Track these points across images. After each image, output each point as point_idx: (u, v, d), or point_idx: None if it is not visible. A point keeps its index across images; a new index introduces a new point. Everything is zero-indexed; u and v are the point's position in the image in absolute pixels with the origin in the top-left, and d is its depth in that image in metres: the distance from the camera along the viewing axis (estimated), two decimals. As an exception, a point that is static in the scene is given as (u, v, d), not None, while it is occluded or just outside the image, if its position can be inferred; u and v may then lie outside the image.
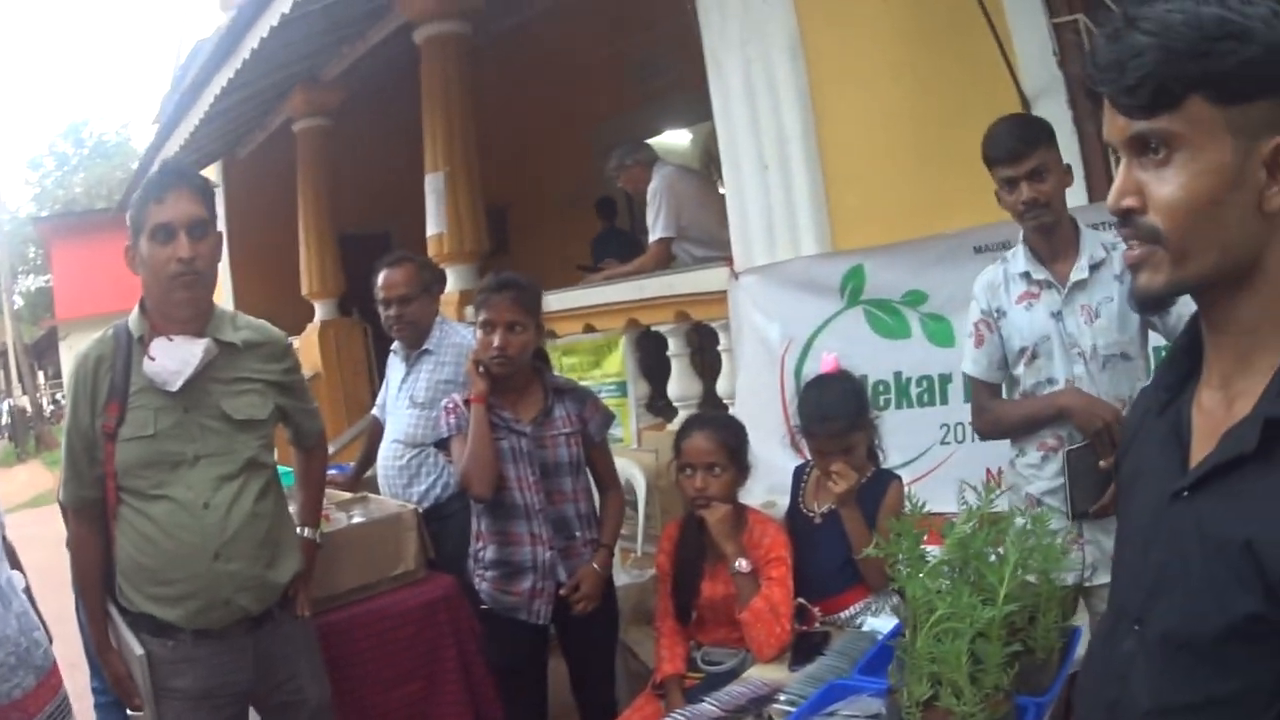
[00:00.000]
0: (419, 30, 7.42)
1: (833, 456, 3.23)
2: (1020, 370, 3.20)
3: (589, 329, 6.03)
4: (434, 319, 4.57)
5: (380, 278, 4.50)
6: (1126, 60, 1.18)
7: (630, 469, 5.27)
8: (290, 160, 9.57)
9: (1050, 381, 3.12)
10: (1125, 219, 1.24)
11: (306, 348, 9.39)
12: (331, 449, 7.35)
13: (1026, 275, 3.16)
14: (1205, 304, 1.27)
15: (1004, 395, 3.34)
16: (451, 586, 3.76)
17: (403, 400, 4.51)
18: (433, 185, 7.36)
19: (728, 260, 5.14)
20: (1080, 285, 3.08)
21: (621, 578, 4.73)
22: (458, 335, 4.50)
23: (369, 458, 4.87)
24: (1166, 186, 1.19)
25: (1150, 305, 1.28)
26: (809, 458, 3.50)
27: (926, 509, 3.43)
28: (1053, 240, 3.13)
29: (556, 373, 4.20)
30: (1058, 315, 3.09)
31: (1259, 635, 1.13)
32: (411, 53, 7.57)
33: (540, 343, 3.85)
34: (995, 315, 3.24)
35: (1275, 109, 1.17)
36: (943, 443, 4.47)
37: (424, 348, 4.49)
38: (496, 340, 3.48)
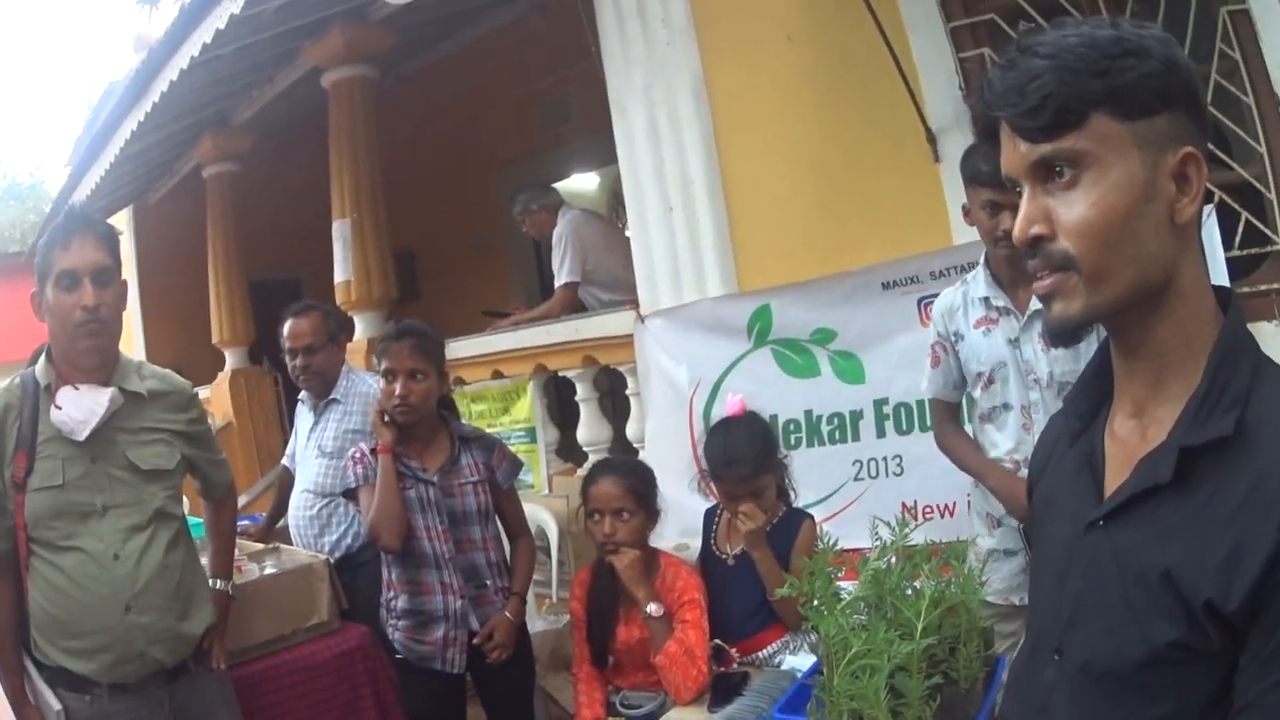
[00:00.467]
0: (326, 74, 7.36)
1: (741, 499, 3.21)
2: (977, 393, 3.24)
3: (497, 375, 5.98)
4: (340, 368, 4.52)
5: (286, 327, 4.47)
6: (1025, 84, 1.17)
7: (541, 515, 5.26)
8: (201, 205, 9.41)
9: (1005, 407, 3.15)
10: (1034, 248, 1.21)
11: (217, 396, 9.26)
12: (244, 499, 7.30)
13: (986, 300, 3.18)
14: (1118, 329, 1.26)
15: (964, 412, 3.38)
16: (366, 636, 3.71)
17: (311, 450, 4.47)
18: (340, 232, 7.27)
19: (633, 304, 5.13)
20: (1039, 314, 3.07)
21: (537, 624, 4.76)
22: (364, 384, 4.47)
23: (280, 508, 4.82)
24: (1076, 207, 1.18)
25: (1066, 337, 1.24)
26: (719, 500, 3.48)
27: (842, 545, 3.45)
28: (1016, 268, 3.13)
29: (464, 420, 4.16)
30: (1015, 342, 3.11)
31: (1182, 661, 1.13)
32: (320, 97, 7.51)
33: (445, 390, 3.85)
34: (952, 338, 3.28)
35: (1177, 122, 1.18)
36: (856, 479, 4.48)
37: (331, 397, 4.45)
38: (398, 389, 3.50)
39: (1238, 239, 4.23)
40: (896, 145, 4.49)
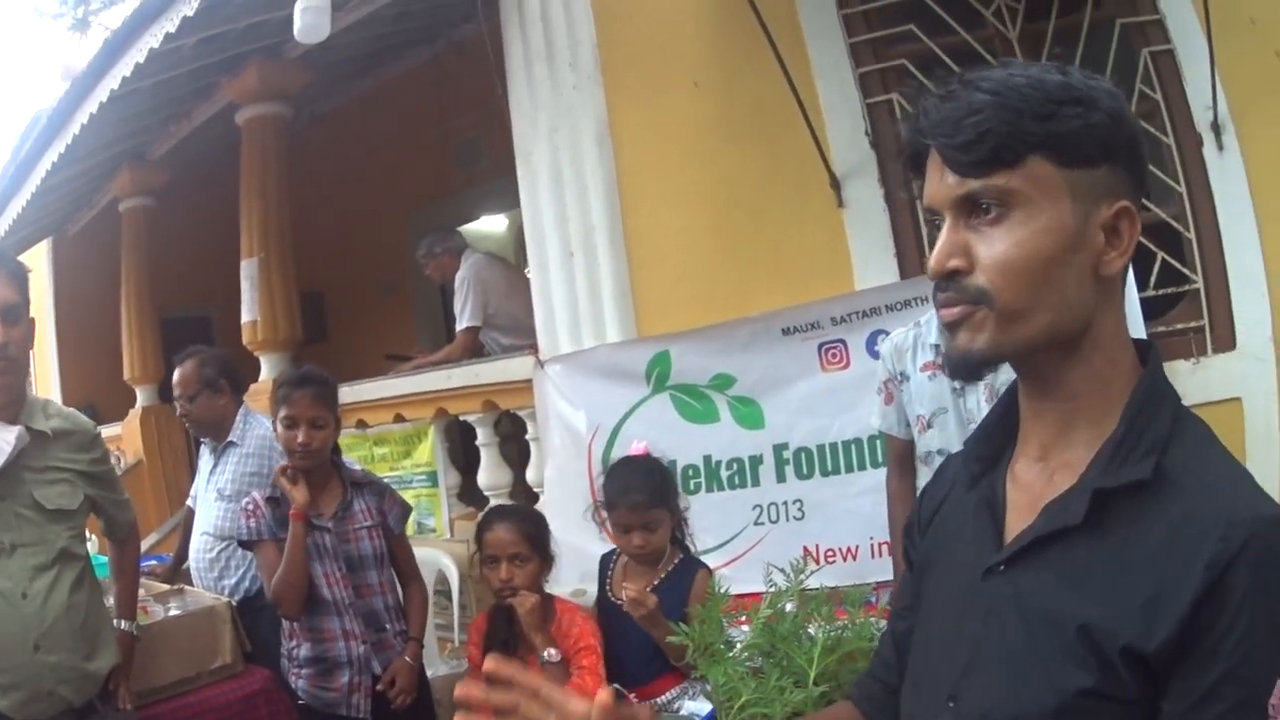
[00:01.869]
0: (241, 111, 7.29)
1: (634, 532, 3.26)
2: (915, 435, 3.26)
3: (399, 419, 5.91)
4: (224, 413, 4.51)
5: (175, 373, 4.54)
6: (963, 117, 1.14)
7: (442, 559, 5.24)
8: (117, 239, 9.26)
9: (941, 453, 3.15)
10: (949, 281, 1.18)
11: (128, 434, 9.12)
12: (153, 538, 7.23)
13: (937, 348, 3.18)
14: (1029, 372, 1.23)
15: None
16: (270, 680, 3.72)
17: (210, 492, 4.47)
18: (248, 271, 7.18)
19: (533, 348, 5.10)
20: None
21: (440, 667, 4.77)
22: (261, 427, 4.45)
23: (185, 549, 4.79)
24: (999, 245, 1.14)
25: (968, 370, 1.19)
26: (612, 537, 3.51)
27: (742, 590, 3.45)
28: None
29: (357, 464, 4.15)
30: (959, 390, 3.13)
31: (1094, 710, 1.09)
32: (235, 134, 7.43)
33: (337, 436, 3.81)
34: (899, 379, 3.30)
35: (1115, 176, 1.16)
36: (756, 524, 4.50)
37: (229, 440, 4.45)
38: (300, 437, 3.49)
39: (1153, 279, 4.28)
40: (800, 191, 4.51)
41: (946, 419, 3.14)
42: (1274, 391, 4.27)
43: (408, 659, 3.62)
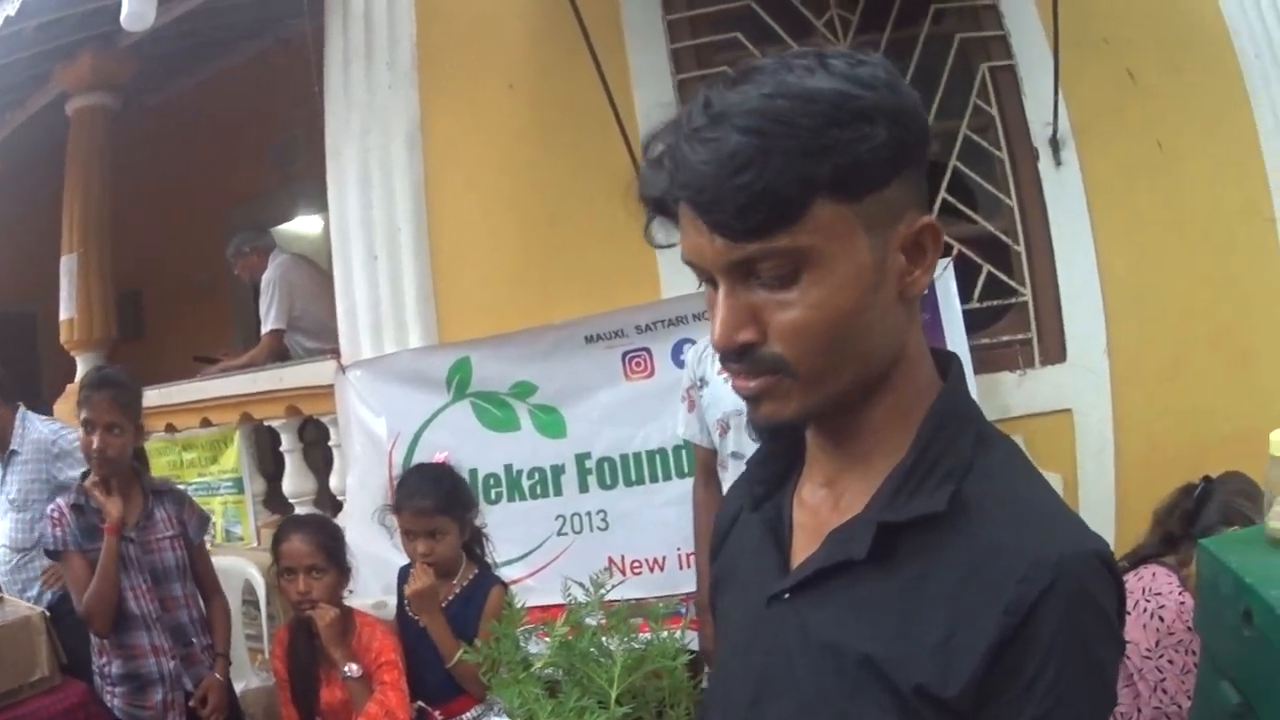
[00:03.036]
0: (72, 101, 7.04)
1: (420, 538, 3.27)
2: (717, 440, 3.26)
3: (206, 423, 5.73)
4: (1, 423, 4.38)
5: None
6: (726, 176, 0.95)
7: (248, 569, 5.10)
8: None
9: (736, 456, 3.16)
10: (740, 354, 1.03)
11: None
12: None
13: None
14: (830, 413, 1.11)
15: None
16: (86, 693, 3.62)
17: (1, 504, 4.35)
18: (67, 267, 6.96)
19: (335, 353, 4.98)
20: None
21: (251, 679, 4.72)
22: (36, 431, 4.36)
23: None
24: (793, 310, 1.00)
25: (780, 435, 1.13)
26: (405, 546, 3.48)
27: (545, 603, 3.41)
28: None
29: (158, 472, 4.06)
30: None
31: None
32: (67, 124, 7.18)
33: (139, 442, 3.77)
34: (699, 384, 3.30)
35: (905, 186, 1.02)
36: (560, 534, 4.47)
37: (11, 449, 4.33)
38: (96, 442, 3.43)
39: (978, 291, 4.34)
40: (609, 199, 4.43)
41: (743, 421, 3.13)
42: (1108, 403, 4.38)
43: (218, 675, 3.62)
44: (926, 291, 4.54)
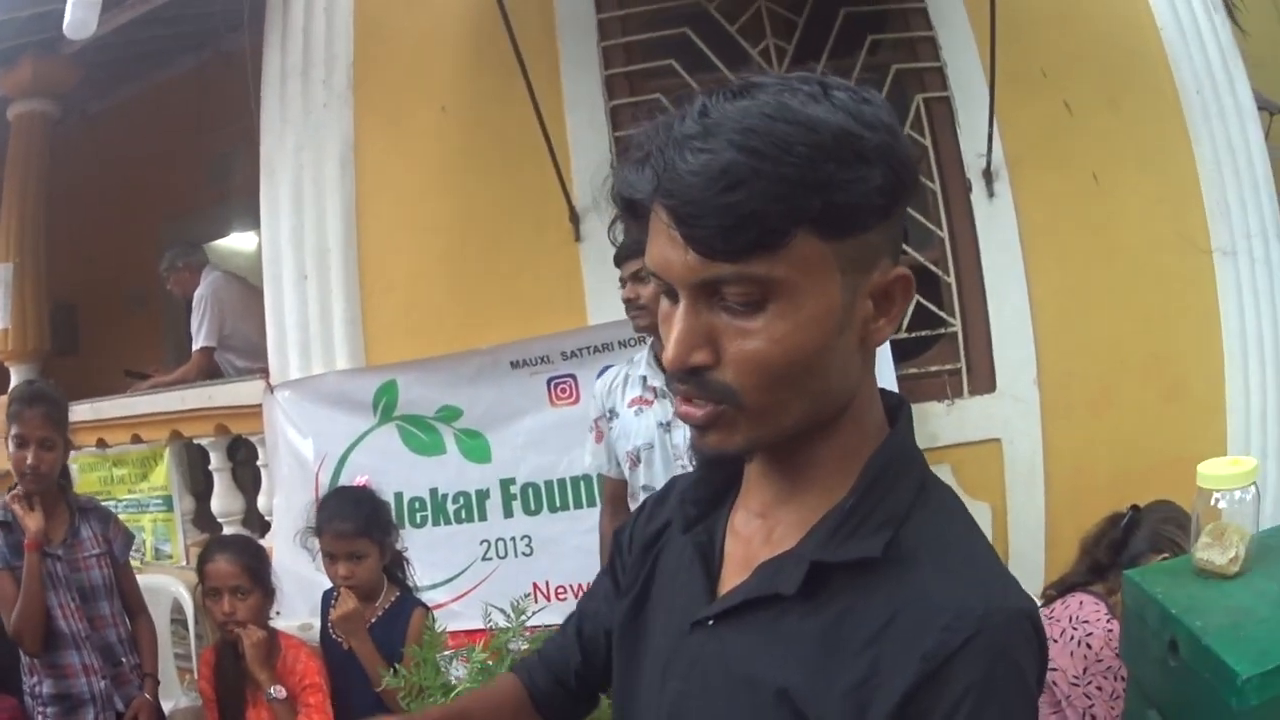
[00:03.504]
0: (12, 106, 6.94)
1: (341, 560, 3.25)
2: (627, 472, 3.22)
3: (137, 439, 5.67)
4: None
5: None
6: (715, 193, 0.91)
7: (177, 587, 5.03)
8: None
9: (646, 489, 3.10)
10: (689, 375, 1.00)
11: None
12: None
13: (644, 380, 3.17)
14: (774, 448, 1.09)
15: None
16: (17, 710, 3.59)
17: None
18: (2, 277, 6.85)
19: (264, 372, 4.95)
20: None
21: (181, 700, 4.69)
22: None
23: None
24: (754, 341, 0.96)
25: (720, 465, 1.10)
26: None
27: (474, 627, 3.39)
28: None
29: (81, 489, 4.04)
30: (665, 425, 3.08)
31: None
32: (5, 131, 7.06)
33: (65, 458, 3.68)
34: (608, 415, 3.26)
35: (887, 233, 1.00)
36: (485, 559, 4.49)
37: None
38: (30, 458, 3.38)
39: (907, 320, 4.36)
40: (539, 223, 4.49)
41: (653, 455, 3.12)
42: (1037, 432, 4.40)
43: (147, 695, 3.57)
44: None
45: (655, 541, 1.30)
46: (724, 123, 0.93)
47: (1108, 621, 2.80)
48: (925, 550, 1.02)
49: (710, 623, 1.10)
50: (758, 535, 1.12)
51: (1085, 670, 2.79)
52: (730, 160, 0.91)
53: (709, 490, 1.21)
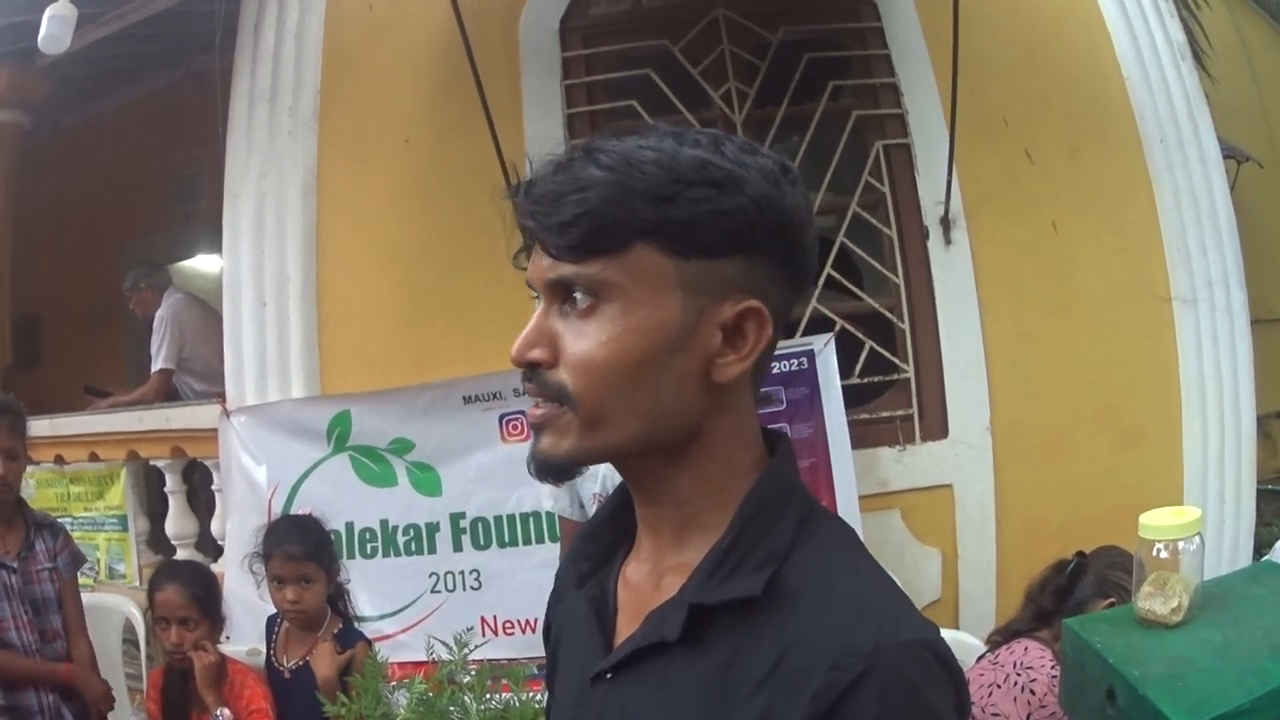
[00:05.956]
0: (-14, 117, 6.93)
1: (289, 584, 3.30)
2: (590, 513, 3.21)
3: (94, 457, 5.66)
4: None
5: None
6: (567, 194, 0.99)
7: (129, 607, 4.94)
8: None
9: None
10: (531, 372, 1.05)
11: None
12: None
13: None
14: (630, 475, 1.12)
15: None
16: None
17: None
18: (-37, 290, 6.85)
19: (221, 397, 4.95)
20: None
21: (130, 719, 4.56)
22: None
23: None
24: (584, 342, 1.01)
25: (552, 473, 1.09)
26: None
27: (421, 659, 3.40)
28: None
29: (42, 504, 4.07)
30: None
31: None
32: (-25, 140, 7.06)
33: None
34: None
35: (751, 270, 1.03)
36: (434, 591, 4.48)
37: None
38: None
39: (859, 366, 4.36)
40: (495, 258, 4.44)
41: None
42: (989, 478, 4.40)
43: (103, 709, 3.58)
44: (804, 366, 4.50)
45: (556, 606, 1.32)
46: (599, 150, 1.01)
47: (1052, 668, 2.81)
48: (810, 587, 1.02)
49: (609, 675, 1.10)
50: (647, 583, 1.13)
51: (1029, 716, 2.81)
52: (589, 174, 0.99)
53: (601, 545, 1.22)
